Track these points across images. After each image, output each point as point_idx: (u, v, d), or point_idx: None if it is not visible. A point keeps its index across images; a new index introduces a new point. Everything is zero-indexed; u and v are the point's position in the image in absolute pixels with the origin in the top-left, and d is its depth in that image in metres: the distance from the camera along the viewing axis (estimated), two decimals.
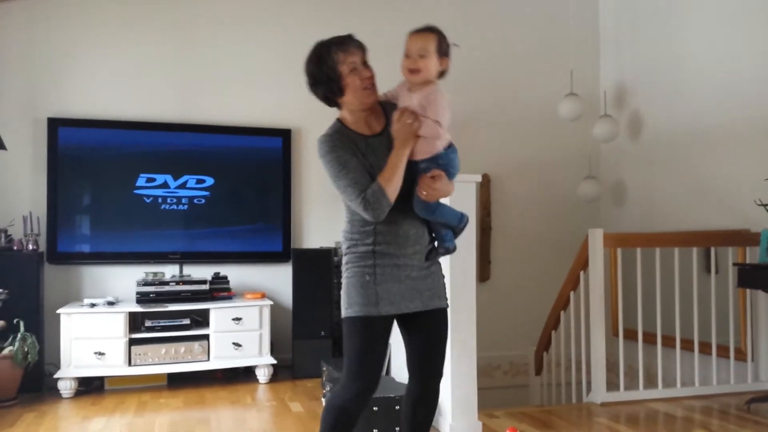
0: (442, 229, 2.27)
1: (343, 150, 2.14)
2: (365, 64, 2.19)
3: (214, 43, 4.93)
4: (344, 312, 2.22)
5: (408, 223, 2.21)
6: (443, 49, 2.16)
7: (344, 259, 2.27)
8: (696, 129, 4.58)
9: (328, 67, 2.15)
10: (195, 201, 4.75)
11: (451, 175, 2.22)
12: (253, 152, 4.90)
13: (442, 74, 2.20)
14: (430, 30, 2.17)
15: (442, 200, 2.25)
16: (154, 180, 4.67)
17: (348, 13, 5.10)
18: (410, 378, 2.29)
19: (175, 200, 4.71)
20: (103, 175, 4.59)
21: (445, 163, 2.19)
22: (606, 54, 5.62)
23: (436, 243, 2.28)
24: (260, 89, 4.98)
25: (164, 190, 4.69)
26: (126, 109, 4.72)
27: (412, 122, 2.12)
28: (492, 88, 5.42)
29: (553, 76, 5.40)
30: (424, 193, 2.16)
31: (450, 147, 2.21)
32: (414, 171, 2.18)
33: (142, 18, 4.81)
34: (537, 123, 5.49)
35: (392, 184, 2.11)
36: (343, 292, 2.25)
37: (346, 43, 2.18)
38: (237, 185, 4.86)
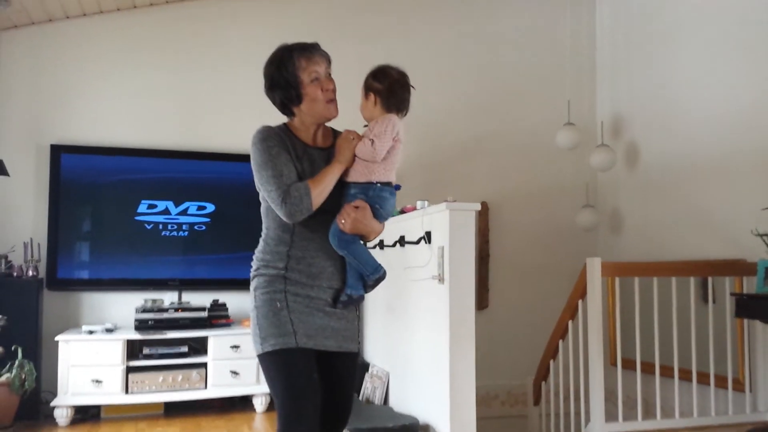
0: (354, 273, 2.11)
1: (277, 143, 2.07)
2: (329, 76, 2.13)
3: (217, 70, 4.99)
4: (259, 347, 1.99)
5: (325, 256, 2.07)
6: (366, 86, 2.18)
7: (252, 284, 2.10)
8: (692, 159, 4.63)
9: (288, 72, 2.07)
10: (196, 227, 4.77)
11: (378, 214, 2.09)
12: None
13: (396, 108, 2.15)
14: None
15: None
16: (155, 206, 4.70)
17: (345, 42, 5.16)
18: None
19: (175, 226, 4.73)
20: (104, 201, 4.62)
21: (374, 196, 2.09)
22: (602, 84, 5.69)
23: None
24: (263, 117, 4.97)
25: (165, 217, 4.71)
26: (128, 135, 4.77)
27: (353, 138, 2.11)
28: (490, 118, 5.48)
29: (551, 105, 5.47)
30: (343, 221, 2.04)
31: (387, 185, 2.12)
32: (343, 197, 2.11)
33: (145, 45, 4.88)
34: (535, 152, 5.54)
35: (319, 187, 2.00)
36: (252, 324, 2.05)
37: (311, 50, 2.11)
38: (238, 212, 4.87)
